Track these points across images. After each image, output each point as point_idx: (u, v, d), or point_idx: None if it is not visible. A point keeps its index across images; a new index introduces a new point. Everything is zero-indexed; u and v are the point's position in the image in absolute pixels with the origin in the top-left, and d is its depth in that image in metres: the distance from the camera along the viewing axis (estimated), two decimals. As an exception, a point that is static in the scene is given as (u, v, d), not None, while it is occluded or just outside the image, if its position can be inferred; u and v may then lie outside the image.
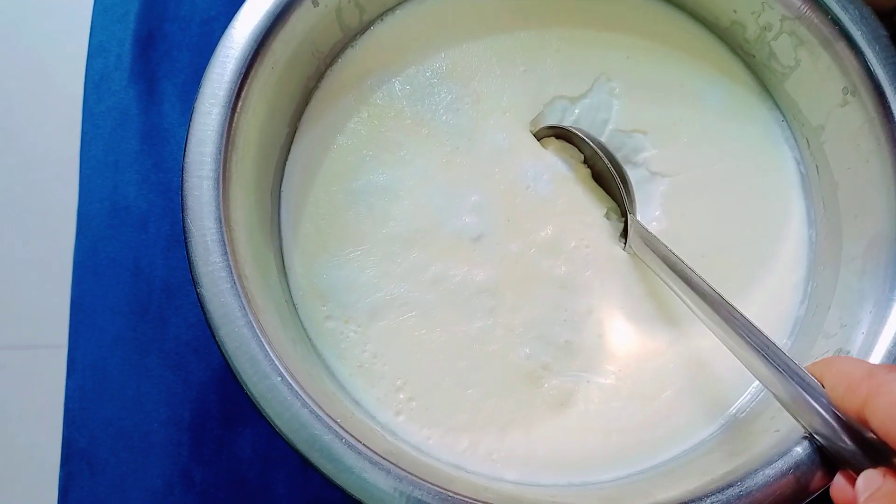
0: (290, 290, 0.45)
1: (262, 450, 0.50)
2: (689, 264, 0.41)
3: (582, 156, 0.49)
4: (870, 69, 0.42)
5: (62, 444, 0.51)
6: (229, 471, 0.50)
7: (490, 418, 0.44)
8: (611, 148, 0.49)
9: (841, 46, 0.43)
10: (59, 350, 0.53)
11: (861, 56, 0.43)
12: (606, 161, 0.47)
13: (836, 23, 0.43)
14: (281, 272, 0.45)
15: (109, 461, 0.50)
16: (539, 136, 0.50)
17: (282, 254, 0.45)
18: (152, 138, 0.55)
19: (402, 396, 0.44)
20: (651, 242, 0.44)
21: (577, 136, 0.48)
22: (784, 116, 0.50)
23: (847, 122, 0.44)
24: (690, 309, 0.40)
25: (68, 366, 0.52)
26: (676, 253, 0.42)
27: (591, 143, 0.47)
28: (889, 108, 0.42)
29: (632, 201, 0.47)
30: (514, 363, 0.45)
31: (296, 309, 0.45)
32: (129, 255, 0.53)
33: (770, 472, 0.36)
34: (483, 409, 0.44)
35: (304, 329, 0.44)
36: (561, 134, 0.49)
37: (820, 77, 0.45)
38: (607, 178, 0.48)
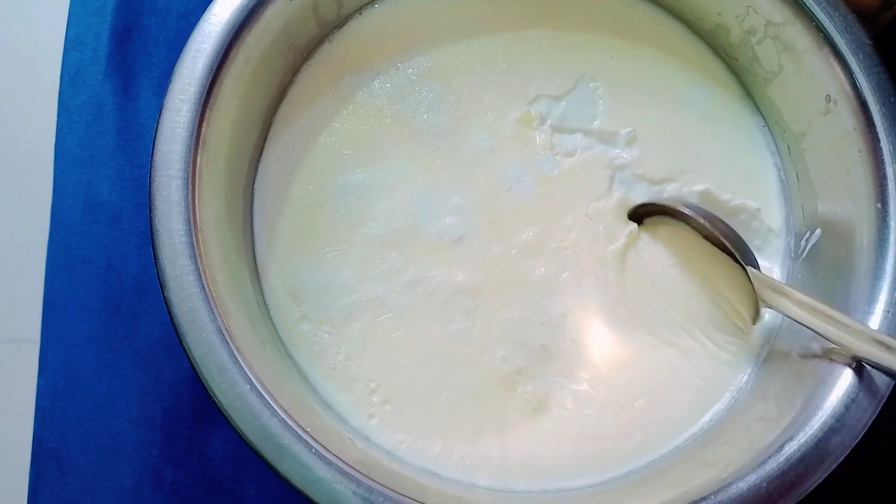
0: (262, 291, 0.44)
1: (233, 450, 0.49)
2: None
3: (692, 230, 0.47)
4: (853, 78, 0.42)
5: (32, 442, 0.50)
6: (201, 471, 0.49)
7: (464, 422, 0.43)
8: (599, 140, 0.48)
9: (825, 54, 0.43)
10: (32, 345, 0.52)
11: (844, 64, 0.42)
12: (715, 232, 0.45)
13: (820, 30, 0.43)
14: (253, 272, 0.44)
15: (79, 461, 0.50)
16: (636, 216, 0.48)
17: (254, 253, 0.45)
18: (127, 133, 0.54)
19: (375, 399, 0.43)
20: (781, 290, 0.42)
21: (680, 211, 0.46)
22: (766, 122, 0.50)
23: (829, 130, 0.44)
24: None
25: (40, 363, 0.51)
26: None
27: (694, 214, 0.45)
28: (871, 117, 0.41)
29: (748, 254, 0.45)
30: (489, 366, 0.44)
31: (268, 310, 0.44)
32: (101, 252, 0.52)
33: (743, 485, 0.35)
34: (457, 413, 0.43)
35: (277, 331, 0.44)
36: (657, 210, 0.48)
37: (803, 84, 0.45)
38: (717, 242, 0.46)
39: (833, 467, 0.36)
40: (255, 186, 0.46)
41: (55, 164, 0.54)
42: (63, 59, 0.55)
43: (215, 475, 0.50)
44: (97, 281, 0.52)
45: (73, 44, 0.56)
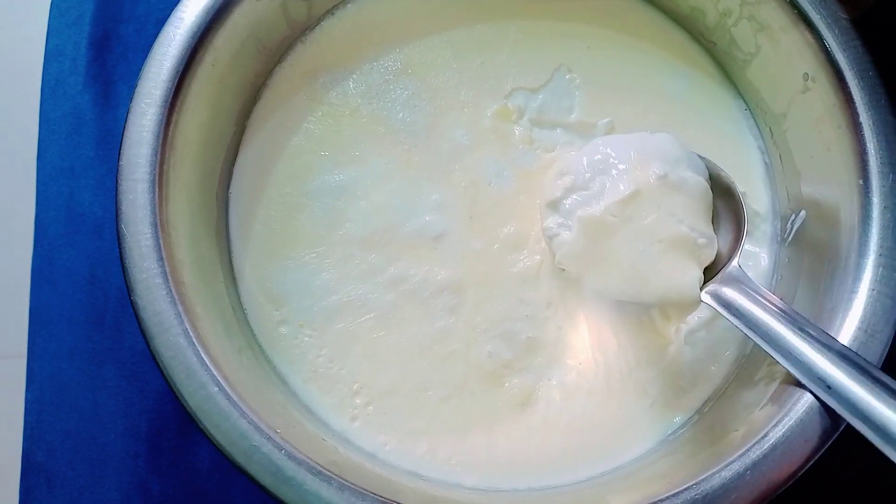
0: (239, 297, 0.44)
1: (219, 460, 0.48)
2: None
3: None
4: (830, 53, 0.41)
5: (21, 457, 0.50)
6: (187, 482, 0.49)
7: (450, 421, 0.43)
8: (578, 135, 0.48)
9: (800, 30, 0.42)
10: (19, 360, 0.52)
11: (820, 40, 0.42)
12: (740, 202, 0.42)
13: (794, 6, 0.42)
14: (229, 278, 0.43)
15: (67, 474, 0.49)
16: None
17: (231, 259, 0.44)
18: (108, 143, 0.54)
19: (358, 401, 0.43)
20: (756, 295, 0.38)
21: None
22: (747, 105, 0.49)
23: (809, 108, 0.43)
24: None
25: (27, 377, 0.51)
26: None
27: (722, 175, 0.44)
28: (849, 93, 0.40)
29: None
30: (475, 362, 0.44)
31: (245, 315, 0.43)
32: (85, 263, 0.52)
33: (726, 473, 0.34)
34: (443, 412, 0.43)
35: (255, 336, 0.43)
36: None
37: (781, 63, 0.44)
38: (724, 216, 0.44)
39: (820, 453, 0.35)
40: (230, 191, 0.45)
41: (38, 176, 0.54)
42: (43, 71, 0.55)
43: (202, 485, 0.49)
44: (81, 292, 0.52)
45: (52, 55, 0.56)
